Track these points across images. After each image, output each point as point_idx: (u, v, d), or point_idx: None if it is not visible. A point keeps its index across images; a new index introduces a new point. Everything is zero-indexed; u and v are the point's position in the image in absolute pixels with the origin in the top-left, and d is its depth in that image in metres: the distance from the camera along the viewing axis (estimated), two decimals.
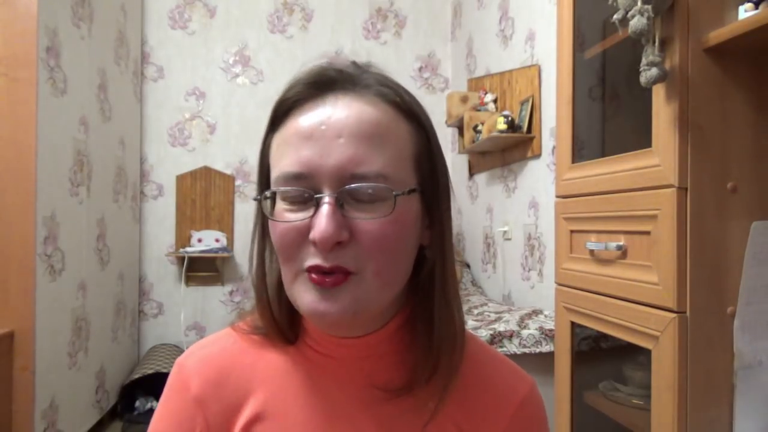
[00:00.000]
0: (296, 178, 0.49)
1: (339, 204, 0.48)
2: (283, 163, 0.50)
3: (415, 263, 0.55)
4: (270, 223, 0.52)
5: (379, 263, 0.49)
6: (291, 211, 0.50)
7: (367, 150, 0.48)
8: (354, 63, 0.55)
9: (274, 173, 0.51)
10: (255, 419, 0.55)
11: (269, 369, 0.58)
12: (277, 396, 0.56)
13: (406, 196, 0.50)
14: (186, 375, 0.58)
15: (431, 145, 0.55)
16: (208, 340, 0.62)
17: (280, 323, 0.58)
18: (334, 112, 0.49)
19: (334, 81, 0.51)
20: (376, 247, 0.48)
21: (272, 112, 0.53)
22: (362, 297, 0.49)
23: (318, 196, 0.48)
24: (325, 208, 0.47)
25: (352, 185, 0.48)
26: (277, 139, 0.52)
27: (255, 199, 0.53)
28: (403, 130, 0.52)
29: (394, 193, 0.49)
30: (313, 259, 0.49)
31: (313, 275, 0.49)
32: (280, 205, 0.51)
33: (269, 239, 0.56)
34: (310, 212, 0.49)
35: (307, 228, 0.48)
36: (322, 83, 0.51)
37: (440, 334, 0.54)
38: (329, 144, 0.48)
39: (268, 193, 0.52)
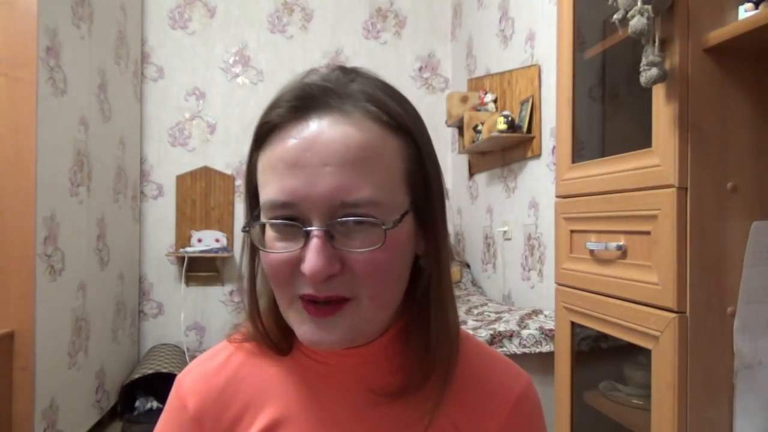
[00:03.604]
0: (283, 206, 0.48)
1: (329, 236, 0.47)
2: (268, 190, 0.49)
3: (411, 271, 0.54)
4: (260, 250, 0.51)
5: (374, 288, 0.49)
6: (280, 239, 0.49)
7: (355, 177, 0.47)
8: (340, 70, 0.53)
9: (262, 198, 0.50)
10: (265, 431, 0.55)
11: (269, 381, 0.58)
12: (282, 408, 0.56)
13: (398, 223, 0.49)
14: (183, 393, 0.58)
15: (423, 156, 0.52)
16: (206, 356, 0.62)
17: (274, 337, 0.58)
18: (319, 137, 0.47)
19: (317, 99, 0.49)
20: (369, 275, 0.48)
21: (255, 130, 0.52)
22: (358, 323, 0.49)
23: (307, 229, 0.47)
24: (314, 242, 0.46)
25: (342, 219, 0.47)
26: (263, 160, 0.51)
27: (243, 230, 0.52)
28: (391, 148, 0.50)
29: (384, 227, 0.47)
30: (306, 288, 0.48)
31: (309, 307, 0.49)
32: (270, 232, 0.50)
33: (259, 258, 0.55)
34: (299, 243, 0.47)
35: (298, 258, 0.47)
36: (304, 104, 0.49)
37: (437, 339, 0.54)
38: (315, 173, 0.46)
39: (256, 223, 0.51)
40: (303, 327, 0.50)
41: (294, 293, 0.49)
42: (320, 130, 0.48)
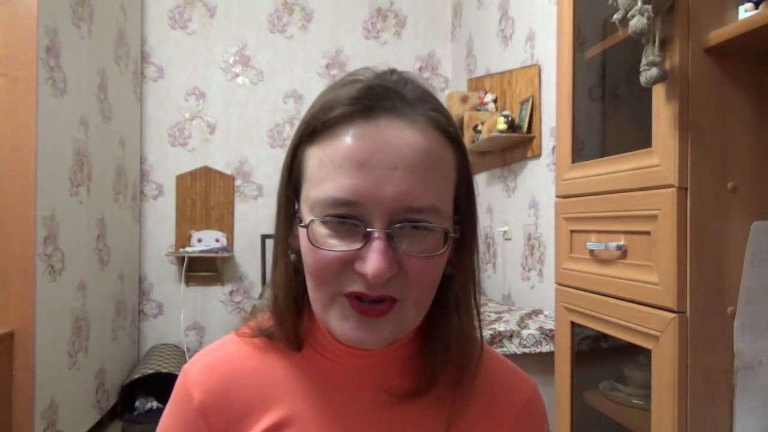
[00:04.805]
0: (345, 204, 0.47)
1: (389, 238, 0.47)
2: (329, 186, 0.47)
3: None
4: (308, 246, 0.49)
5: (420, 292, 0.49)
6: (334, 236, 0.48)
7: (421, 183, 0.47)
8: (396, 73, 0.52)
9: (315, 192, 0.49)
10: (274, 429, 0.55)
11: (277, 377, 0.57)
12: (291, 407, 0.55)
13: (458, 231, 0.51)
14: (189, 384, 0.58)
15: (468, 170, 0.54)
16: (213, 347, 0.61)
17: (296, 331, 0.57)
18: (391, 139, 0.47)
19: (384, 100, 0.49)
20: (420, 280, 0.49)
21: (312, 121, 0.50)
22: (402, 325, 0.50)
23: (370, 229, 0.46)
24: (378, 244, 0.46)
25: (407, 223, 0.47)
26: (319, 154, 0.49)
27: (302, 226, 0.49)
28: (449, 158, 0.51)
29: (450, 235, 0.49)
30: (356, 286, 0.48)
31: (357, 304, 0.48)
32: (321, 229, 0.48)
33: (291, 250, 0.55)
34: (357, 242, 0.47)
35: (353, 257, 0.47)
36: (372, 104, 0.48)
37: (456, 347, 0.55)
38: (385, 175, 0.46)
39: (317, 219, 0.48)
40: (345, 324, 0.49)
41: (338, 290, 0.49)
42: (391, 132, 0.47)
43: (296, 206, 0.53)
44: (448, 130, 0.51)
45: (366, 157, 0.47)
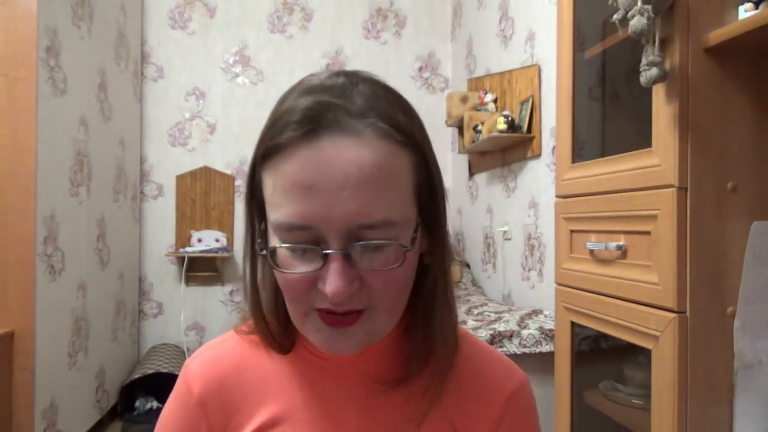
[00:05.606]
0: (299, 228, 0.47)
1: (347, 257, 0.47)
2: (282, 212, 0.48)
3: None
4: (274, 268, 0.50)
5: (389, 300, 0.50)
6: (296, 258, 0.49)
7: (371, 199, 0.47)
8: (343, 76, 0.51)
9: (273, 216, 0.49)
10: (267, 426, 0.56)
11: (272, 373, 0.59)
12: (284, 403, 0.57)
13: (415, 241, 0.50)
14: (190, 378, 0.60)
15: (429, 164, 0.53)
16: (213, 343, 0.63)
17: (278, 336, 0.59)
18: (334, 160, 0.46)
19: (326, 118, 0.47)
20: (386, 290, 0.49)
21: (261, 145, 0.50)
22: (374, 330, 0.51)
23: (326, 252, 0.47)
24: (334, 266, 0.46)
25: (361, 242, 0.47)
26: (272, 178, 0.49)
27: (261, 254, 0.52)
28: (403, 164, 0.50)
29: (404, 249, 0.48)
30: (324, 303, 0.49)
31: (327, 317, 0.49)
32: (282, 251, 0.49)
33: (260, 259, 0.56)
34: (316, 262, 0.48)
35: (315, 277, 0.48)
36: (315, 126, 0.47)
37: (438, 331, 0.56)
38: (333, 196, 0.46)
39: (273, 247, 0.50)
40: (319, 335, 0.51)
41: (310, 306, 0.50)
42: (335, 152, 0.47)
43: (263, 225, 0.53)
44: (397, 137, 0.49)
45: (312, 181, 0.46)
